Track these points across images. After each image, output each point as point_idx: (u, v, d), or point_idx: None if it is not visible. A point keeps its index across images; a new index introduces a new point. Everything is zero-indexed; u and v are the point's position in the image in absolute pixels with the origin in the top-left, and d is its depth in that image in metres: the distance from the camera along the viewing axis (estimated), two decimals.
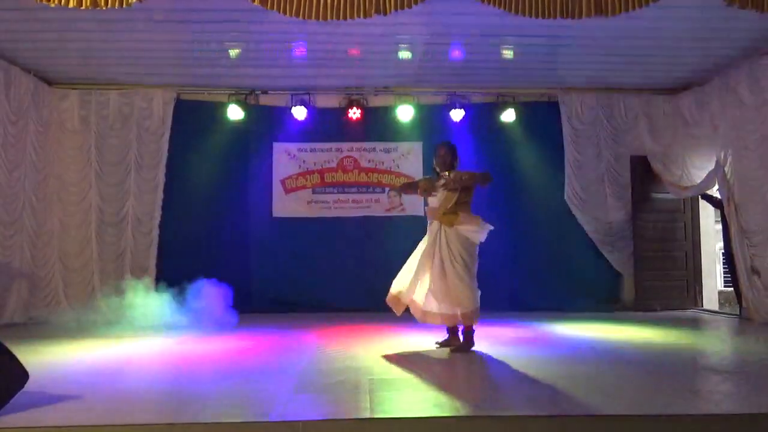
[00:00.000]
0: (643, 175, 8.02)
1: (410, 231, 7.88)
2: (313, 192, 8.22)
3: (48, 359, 4.53)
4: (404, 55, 6.79)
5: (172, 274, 6.89)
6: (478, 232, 4.82)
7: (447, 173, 4.91)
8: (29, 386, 3.15)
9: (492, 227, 4.85)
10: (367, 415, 2.95)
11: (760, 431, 2.84)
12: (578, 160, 8.13)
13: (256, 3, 4.16)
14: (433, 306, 4.77)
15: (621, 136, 8.15)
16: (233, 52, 6.48)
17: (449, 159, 4.96)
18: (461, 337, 4.89)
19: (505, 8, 4.24)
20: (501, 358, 4.61)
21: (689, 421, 2.90)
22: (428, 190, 4.89)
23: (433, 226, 4.89)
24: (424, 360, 4.54)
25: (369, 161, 8.24)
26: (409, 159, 8.27)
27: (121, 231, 7.71)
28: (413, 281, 4.81)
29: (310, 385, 3.77)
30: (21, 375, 3.12)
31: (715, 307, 8.28)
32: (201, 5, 5.52)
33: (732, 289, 7.57)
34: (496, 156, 8.17)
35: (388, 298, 4.96)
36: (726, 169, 7.05)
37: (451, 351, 4.78)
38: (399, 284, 4.90)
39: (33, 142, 7.21)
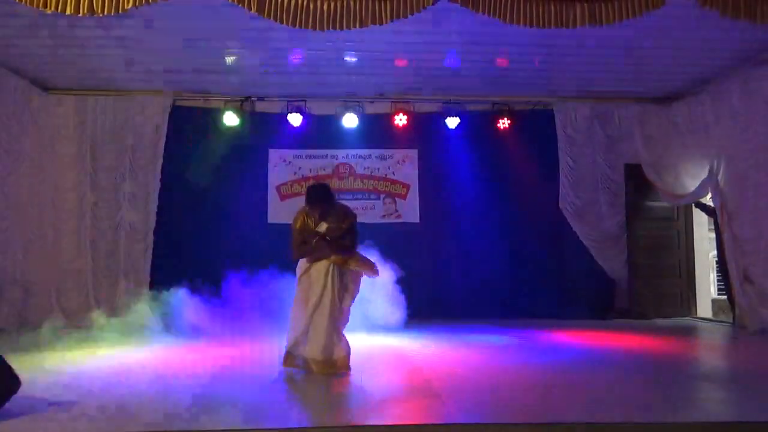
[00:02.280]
0: (637, 183, 8.07)
1: (405, 237, 7.93)
2: None
3: (42, 365, 4.50)
4: (400, 62, 6.83)
5: (167, 281, 6.87)
6: (371, 272, 4.58)
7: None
8: (23, 393, 3.14)
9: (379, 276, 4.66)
10: (359, 422, 2.96)
11: None
12: (573, 168, 8.16)
13: (253, 11, 4.17)
14: (332, 351, 4.25)
15: (615, 145, 8.19)
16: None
17: (326, 199, 4.55)
18: None
19: (499, 17, 4.27)
20: (495, 365, 4.61)
21: (683, 428, 2.92)
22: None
23: (319, 272, 4.38)
24: (415, 367, 4.54)
25: (364, 168, 8.26)
26: (404, 166, 8.29)
27: (116, 237, 7.68)
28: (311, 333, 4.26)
29: (303, 392, 3.77)
30: (13, 382, 3.11)
31: (709, 315, 8.30)
32: (198, 13, 5.53)
33: (725, 297, 7.59)
34: (491, 164, 8.22)
35: (286, 361, 4.31)
36: (719, 177, 7.09)
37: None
38: (297, 341, 4.30)
39: (28, 148, 7.18)
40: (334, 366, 4.24)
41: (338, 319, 4.36)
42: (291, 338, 4.33)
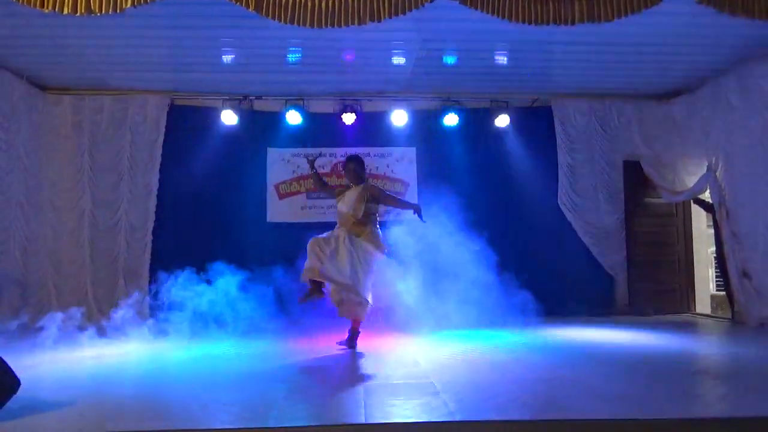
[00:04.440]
0: (636, 179, 8.08)
1: (403, 237, 7.91)
2: (308, 197, 8.22)
3: (41, 365, 4.50)
4: (398, 60, 6.83)
5: (166, 280, 6.86)
6: (378, 250, 5.27)
7: (357, 184, 5.42)
8: (23, 393, 3.13)
9: (388, 257, 5.45)
10: (362, 420, 2.96)
11: None
12: (571, 165, 8.17)
13: (251, 10, 4.17)
14: (343, 296, 5.16)
15: (614, 142, 8.20)
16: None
17: (360, 171, 5.52)
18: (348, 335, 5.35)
19: (498, 15, 4.27)
20: (494, 362, 4.62)
21: (683, 424, 2.92)
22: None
23: (341, 231, 5.25)
24: (417, 365, 4.55)
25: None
26: (402, 164, 8.29)
27: (114, 237, 7.67)
28: (333, 263, 5.06)
29: (305, 390, 3.77)
30: (12, 382, 3.10)
31: (708, 310, 8.33)
32: (195, 11, 5.52)
33: (724, 292, 7.61)
34: (490, 161, 8.22)
35: (311, 275, 5.05)
36: (717, 173, 7.11)
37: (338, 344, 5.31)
38: (319, 262, 5.04)
39: (25, 148, 7.18)
40: (347, 289, 5.04)
41: (362, 278, 5.10)
42: (314, 264, 4.99)
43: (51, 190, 7.62)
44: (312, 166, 5.85)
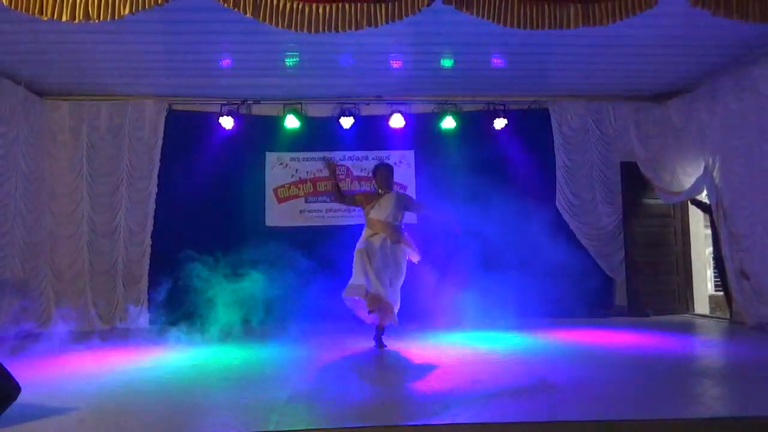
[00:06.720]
0: (634, 181, 8.09)
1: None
2: (306, 201, 8.23)
3: (41, 371, 4.50)
4: (396, 64, 6.85)
5: (165, 285, 6.86)
6: (415, 254, 5.55)
7: (388, 191, 5.62)
8: (23, 399, 3.14)
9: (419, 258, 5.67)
10: (361, 423, 2.97)
11: None
12: (569, 166, 8.19)
13: (248, 15, 4.18)
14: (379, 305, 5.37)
15: (611, 143, 8.22)
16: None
17: (391, 178, 5.74)
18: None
19: (493, 20, 4.29)
20: (493, 363, 4.63)
21: (681, 425, 2.94)
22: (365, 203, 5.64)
23: (375, 237, 5.44)
24: (416, 367, 4.56)
25: (361, 170, 8.26)
26: (401, 167, 8.30)
27: (113, 242, 7.68)
28: (379, 281, 5.34)
29: (305, 393, 3.78)
30: (12, 389, 3.11)
31: (706, 311, 8.34)
32: (193, 17, 5.53)
33: (722, 293, 7.63)
34: (487, 163, 8.20)
35: (356, 292, 5.30)
36: (714, 174, 7.14)
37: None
38: (367, 281, 5.30)
39: (24, 154, 7.18)
40: (381, 301, 5.23)
41: (397, 286, 5.45)
42: (355, 280, 5.33)
43: (49, 195, 7.63)
44: (333, 175, 5.85)
